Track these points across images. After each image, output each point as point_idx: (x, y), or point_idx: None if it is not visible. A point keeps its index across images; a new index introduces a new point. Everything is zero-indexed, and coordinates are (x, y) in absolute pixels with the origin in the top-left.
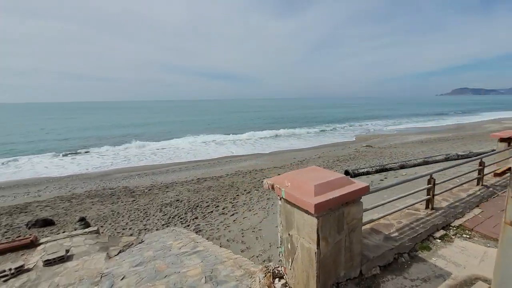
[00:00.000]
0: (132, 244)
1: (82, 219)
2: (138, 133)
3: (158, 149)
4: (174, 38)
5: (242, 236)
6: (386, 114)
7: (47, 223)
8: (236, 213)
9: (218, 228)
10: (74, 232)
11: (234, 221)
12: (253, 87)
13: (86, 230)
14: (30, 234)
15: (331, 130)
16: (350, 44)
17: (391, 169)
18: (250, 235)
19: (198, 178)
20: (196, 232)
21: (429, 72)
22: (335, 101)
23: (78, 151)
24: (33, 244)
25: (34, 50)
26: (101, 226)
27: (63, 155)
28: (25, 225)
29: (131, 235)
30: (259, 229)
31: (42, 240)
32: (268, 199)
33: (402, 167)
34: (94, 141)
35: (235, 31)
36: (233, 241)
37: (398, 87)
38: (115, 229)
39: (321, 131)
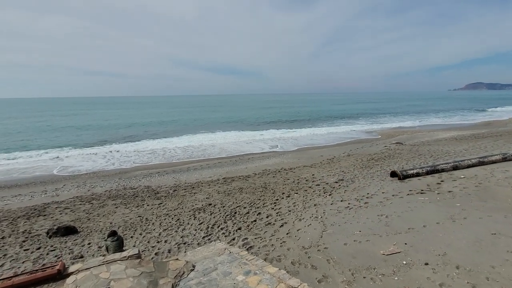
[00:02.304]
0: (184, 272)
1: (113, 233)
2: (153, 130)
3: (175, 147)
4: (183, 33)
5: (308, 258)
6: (403, 110)
7: (69, 231)
8: (285, 223)
9: (272, 244)
10: (110, 257)
11: (287, 234)
12: (261, 82)
13: (125, 254)
14: (57, 260)
15: (349, 126)
16: (362, 38)
17: (443, 170)
18: (318, 256)
19: (224, 178)
20: (247, 249)
21: (442, 67)
22: (348, 96)
23: (94, 147)
24: (60, 275)
25: (48, 46)
26: (131, 237)
27: (79, 151)
28: (45, 233)
29: (169, 251)
30: (325, 247)
31: (71, 269)
32: (315, 205)
33: (455, 168)
34: (108, 137)
35: (244, 25)
36: (299, 264)
37: (410, 82)
38: (148, 242)
39: (337, 126)
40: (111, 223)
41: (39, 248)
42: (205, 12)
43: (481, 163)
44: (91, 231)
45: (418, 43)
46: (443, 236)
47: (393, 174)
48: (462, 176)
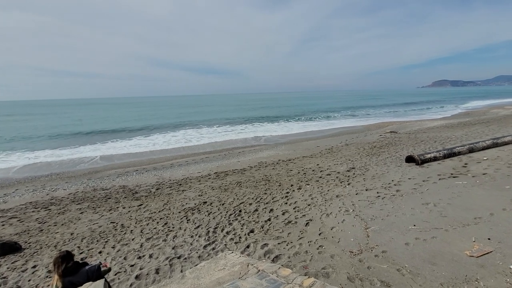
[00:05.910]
0: None
1: (66, 258)
2: (129, 129)
3: (155, 144)
4: (159, 31)
5: (368, 268)
6: (382, 105)
7: (8, 249)
8: (311, 220)
9: (306, 251)
10: None
11: (320, 235)
12: (242, 81)
13: None
14: None
15: (333, 120)
16: (336, 38)
17: (459, 153)
18: (381, 265)
19: (216, 172)
20: (272, 260)
21: (411, 65)
22: (327, 94)
23: (60, 148)
24: None
25: (8, 45)
26: (100, 252)
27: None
28: None
29: (157, 271)
30: (383, 251)
31: None
32: (337, 196)
33: (471, 150)
34: (80, 138)
35: (222, 25)
36: (360, 280)
37: (382, 81)
38: (124, 258)
39: (321, 121)
40: (72, 233)
41: None
42: (182, 10)
43: (495, 145)
44: (41, 247)
45: (390, 42)
46: None
47: (409, 160)
48: (485, 158)
